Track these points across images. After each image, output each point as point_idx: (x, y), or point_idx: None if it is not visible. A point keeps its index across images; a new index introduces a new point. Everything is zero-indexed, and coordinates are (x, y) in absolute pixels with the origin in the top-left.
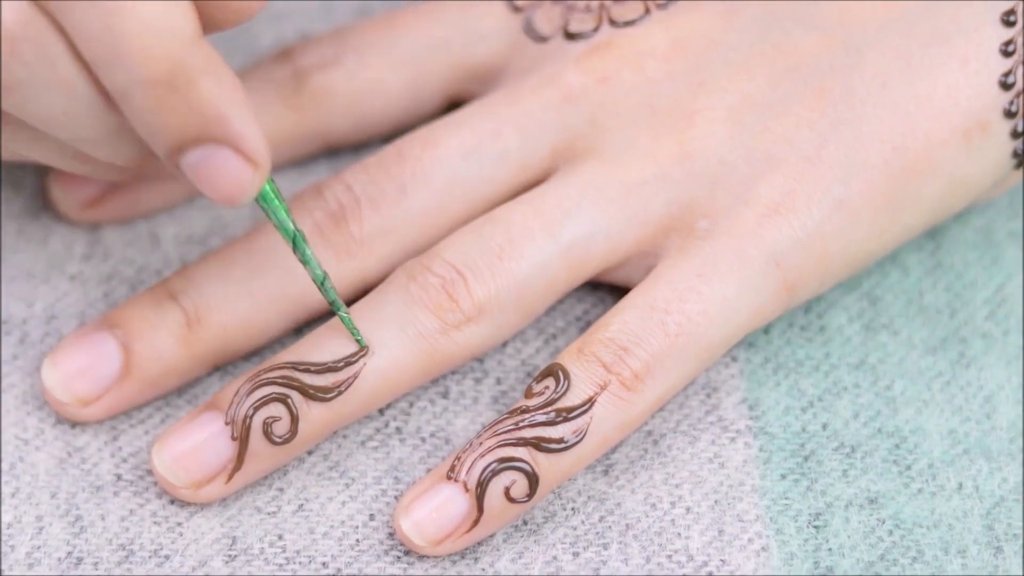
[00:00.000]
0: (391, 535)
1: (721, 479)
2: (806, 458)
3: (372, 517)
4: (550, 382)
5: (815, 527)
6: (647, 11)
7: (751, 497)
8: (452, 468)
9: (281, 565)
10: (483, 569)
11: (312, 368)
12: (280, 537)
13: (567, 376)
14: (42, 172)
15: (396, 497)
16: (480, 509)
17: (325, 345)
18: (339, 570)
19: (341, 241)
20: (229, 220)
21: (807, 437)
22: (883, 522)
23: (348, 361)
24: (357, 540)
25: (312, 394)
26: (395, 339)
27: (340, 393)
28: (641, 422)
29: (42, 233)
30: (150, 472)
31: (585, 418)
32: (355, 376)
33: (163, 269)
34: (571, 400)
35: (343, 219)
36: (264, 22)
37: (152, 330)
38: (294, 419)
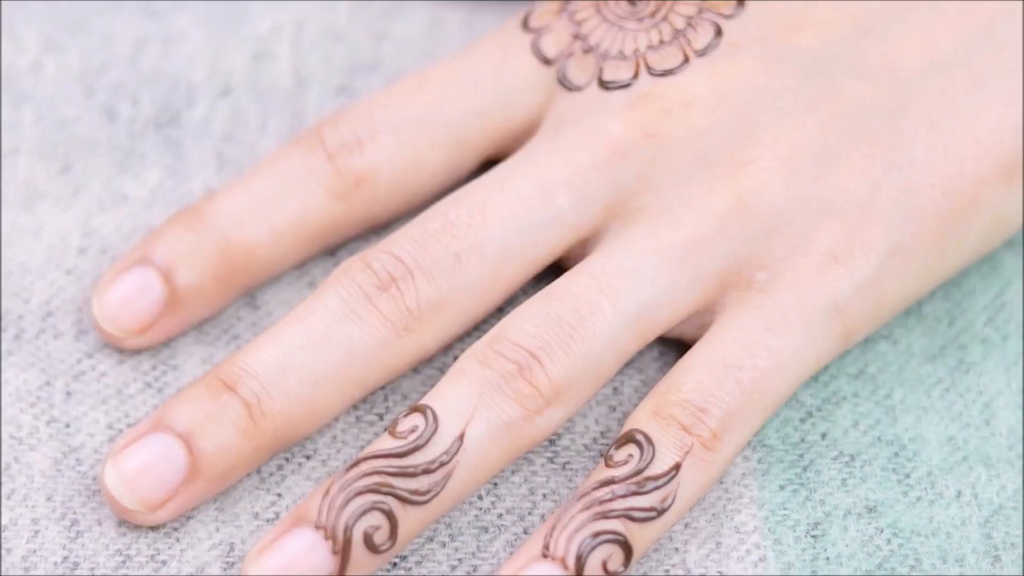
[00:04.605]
0: None
1: (719, 493)
2: (805, 468)
3: None
4: (633, 449)
5: (813, 536)
6: (686, 59)
7: (749, 508)
8: (547, 545)
9: None
10: None
11: (408, 471)
12: None
13: (650, 442)
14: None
15: None
16: None
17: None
18: None
19: (398, 316)
20: None
21: (806, 448)
22: (881, 531)
23: (442, 462)
24: None
25: (409, 499)
26: (483, 432)
27: (436, 495)
28: (719, 478)
29: (37, 227)
30: None
31: (673, 484)
32: (449, 476)
33: None
34: (657, 468)
35: (397, 292)
36: (261, 6)
37: (215, 425)
38: (394, 526)
